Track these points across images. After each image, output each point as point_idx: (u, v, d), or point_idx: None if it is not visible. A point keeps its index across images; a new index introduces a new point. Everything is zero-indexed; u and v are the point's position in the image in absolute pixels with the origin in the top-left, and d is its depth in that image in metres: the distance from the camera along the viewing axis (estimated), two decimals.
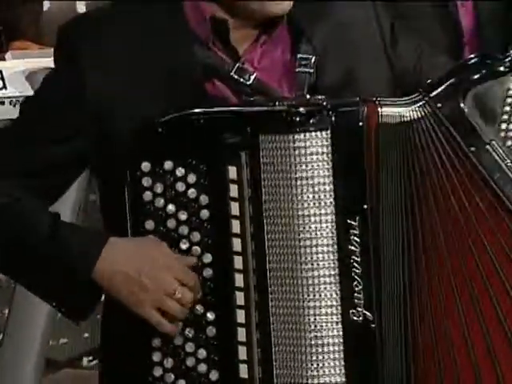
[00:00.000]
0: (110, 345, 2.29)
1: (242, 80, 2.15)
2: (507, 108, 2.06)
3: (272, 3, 2.18)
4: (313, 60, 2.16)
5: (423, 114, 2.06)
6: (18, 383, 3.89)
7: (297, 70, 2.18)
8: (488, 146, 2.04)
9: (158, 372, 2.05)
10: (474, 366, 2.05)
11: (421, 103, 2.08)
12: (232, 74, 2.13)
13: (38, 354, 3.78)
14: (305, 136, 2.02)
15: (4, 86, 3.54)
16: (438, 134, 2.05)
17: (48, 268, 2.12)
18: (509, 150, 2.04)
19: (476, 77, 2.07)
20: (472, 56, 2.27)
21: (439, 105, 2.06)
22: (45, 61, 3.71)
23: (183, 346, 2.07)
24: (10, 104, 3.66)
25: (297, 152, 2.04)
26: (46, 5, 4.73)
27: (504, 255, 2.03)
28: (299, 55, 2.19)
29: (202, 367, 2.05)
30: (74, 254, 2.09)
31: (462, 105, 2.05)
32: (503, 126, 2.05)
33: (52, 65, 3.35)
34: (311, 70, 2.16)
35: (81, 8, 4.85)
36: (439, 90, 2.09)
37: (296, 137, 2.02)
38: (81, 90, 2.11)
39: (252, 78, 2.13)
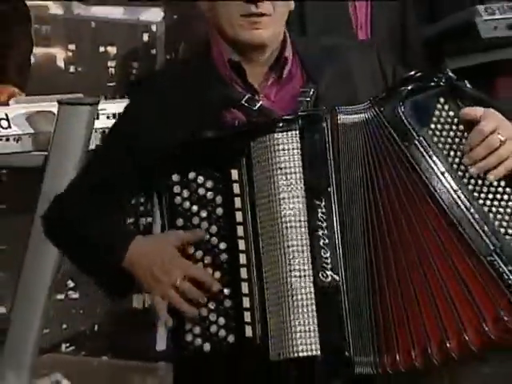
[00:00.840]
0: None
1: (250, 107, 2.40)
2: (437, 112, 2.29)
3: (251, 30, 2.38)
4: (311, 92, 2.42)
5: (370, 116, 2.30)
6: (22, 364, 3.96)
7: (298, 99, 2.43)
8: (416, 142, 2.27)
9: (189, 337, 2.29)
10: (434, 310, 2.25)
11: (364, 109, 2.34)
12: (243, 102, 2.39)
13: (35, 343, 3.93)
14: (277, 136, 2.27)
15: (9, 126, 3.78)
16: (381, 132, 2.31)
17: (97, 258, 2.41)
18: (434, 145, 2.28)
19: (413, 88, 2.31)
20: (416, 71, 2.38)
21: (382, 108, 2.30)
22: (41, 105, 3.90)
23: (208, 316, 2.29)
24: (14, 140, 3.76)
25: (273, 148, 2.29)
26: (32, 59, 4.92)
27: (438, 225, 2.22)
28: (302, 90, 2.45)
29: (222, 332, 2.29)
30: (110, 248, 2.37)
31: (398, 109, 2.28)
32: (432, 125, 2.28)
33: (47, 108, 3.74)
34: (308, 99, 2.42)
35: (60, 60, 4.89)
36: (383, 96, 2.35)
37: (272, 136, 2.28)
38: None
39: (258, 105, 2.39)
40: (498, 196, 2.31)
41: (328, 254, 2.26)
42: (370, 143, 2.30)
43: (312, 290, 2.25)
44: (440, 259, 2.26)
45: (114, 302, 4.76)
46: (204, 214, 2.32)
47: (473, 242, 2.24)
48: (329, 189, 2.27)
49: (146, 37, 4.78)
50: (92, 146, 3.97)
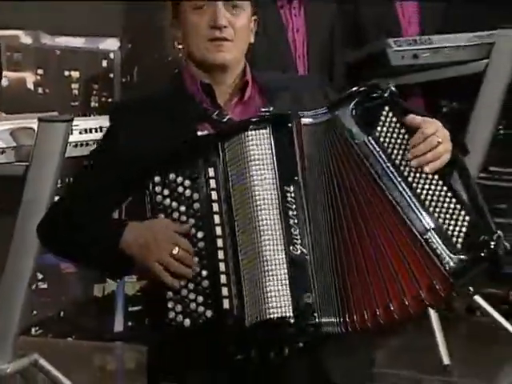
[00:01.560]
0: (149, 304, 2.58)
1: (220, 119, 2.47)
2: (383, 118, 2.38)
3: (216, 52, 2.44)
4: (271, 109, 2.45)
5: (328, 119, 2.39)
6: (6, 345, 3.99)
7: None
8: (366, 140, 2.37)
9: (171, 315, 2.33)
10: (381, 279, 2.34)
11: (322, 113, 2.42)
12: (213, 116, 2.46)
13: (17, 327, 3.97)
14: (250, 133, 2.33)
15: None
16: (337, 132, 2.39)
17: (97, 246, 2.43)
18: (380, 143, 2.38)
19: (363, 97, 2.41)
20: (363, 85, 2.47)
21: (337, 113, 2.39)
22: (23, 122, 3.94)
23: (187, 295, 2.34)
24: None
25: (246, 144, 2.35)
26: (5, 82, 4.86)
27: (383, 208, 2.31)
28: (263, 110, 2.45)
29: (201, 308, 2.33)
30: (107, 234, 2.41)
31: (351, 113, 2.38)
32: (378, 128, 2.38)
33: (27, 125, 3.80)
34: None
35: (30, 83, 4.85)
36: (337, 103, 2.43)
37: (245, 134, 2.33)
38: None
39: (226, 118, 2.48)
40: (433, 186, 2.37)
41: (297, 231, 2.33)
42: (328, 141, 2.39)
43: (284, 261, 2.31)
44: (384, 236, 2.35)
45: (81, 291, 5.01)
46: (183, 208, 2.38)
47: (411, 222, 2.34)
48: (296, 177, 2.34)
49: (104, 63, 4.77)
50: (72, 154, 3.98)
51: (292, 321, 2.29)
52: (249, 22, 2.52)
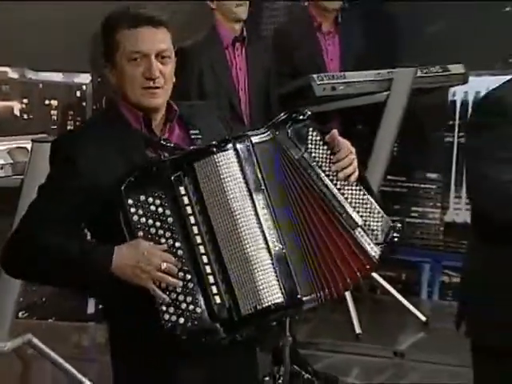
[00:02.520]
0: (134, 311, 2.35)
1: (166, 144, 2.43)
2: (310, 136, 2.43)
3: (150, 98, 2.39)
4: (198, 133, 2.48)
5: (270, 138, 2.41)
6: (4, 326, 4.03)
7: (192, 137, 2.47)
8: (301, 155, 2.42)
9: (166, 317, 2.27)
10: (333, 262, 2.40)
11: (263, 133, 2.42)
12: (162, 142, 2.41)
13: (13, 311, 4.08)
14: (219, 155, 2.32)
15: None
16: (280, 148, 2.42)
17: (86, 272, 2.31)
18: (312, 157, 2.44)
19: (294, 120, 2.44)
20: (291, 110, 2.50)
21: (277, 133, 2.41)
22: (18, 142, 4.05)
23: (177, 297, 2.29)
24: None
25: (217, 164, 2.32)
26: None
27: (322, 208, 2.37)
28: (192, 132, 2.48)
29: (190, 307, 2.29)
30: (97, 261, 2.29)
31: (288, 133, 2.41)
32: (308, 145, 2.44)
33: (22, 145, 3.85)
34: (200, 137, 2.48)
35: (16, 110, 4.90)
36: (274, 125, 2.43)
37: (214, 156, 2.32)
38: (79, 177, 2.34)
39: (172, 143, 2.42)
40: (355, 192, 2.47)
41: (272, 231, 2.35)
42: (274, 156, 2.42)
43: (267, 257, 2.32)
44: (325, 231, 2.43)
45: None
46: (158, 224, 2.31)
47: (343, 219, 2.43)
48: (261, 186, 2.36)
49: (78, 93, 4.87)
50: None
51: (283, 304, 2.32)
52: (172, 68, 2.46)
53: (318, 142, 2.47)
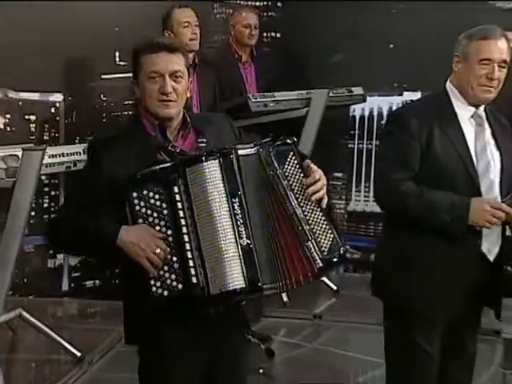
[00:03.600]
0: (131, 279, 2.42)
1: (174, 150, 2.44)
2: (289, 158, 2.40)
3: (164, 109, 2.43)
4: (204, 141, 2.48)
5: (254, 153, 2.40)
6: None
7: (198, 145, 2.46)
8: (277, 173, 2.39)
9: (154, 289, 2.32)
10: (290, 260, 2.36)
11: (250, 148, 2.41)
12: (169, 148, 2.43)
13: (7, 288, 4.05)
14: (206, 163, 2.33)
15: None
16: (260, 163, 2.40)
17: (98, 243, 2.38)
18: (285, 177, 2.39)
19: (277, 142, 2.43)
20: (275, 135, 2.50)
21: (260, 150, 2.39)
22: (10, 151, 4.06)
23: (164, 274, 2.33)
24: None
25: (204, 171, 2.33)
26: None
27: (284, 218, 2.35)
28: (199, 140, 2.48)
29: (173, 283, 2.32)
30: (106, 234, 2.36)
31: (270, 152, 2.39)
32: (286, 166, 2.41)
33: (14, 153, 3.82)
34: (205, 145, 2.47)
35: (1, 124, 4.85)
36: (260, 144, 2.41)
37: (203, 164, 2.32)
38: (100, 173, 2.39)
39: (178, 149, 2.44)
40: (315, 212, 2.43)
41: (243, 228, 2.34)
42: (255, 168, 2.40)
43: (236, 249, 2.32)
44: (283, 235, 2.40)
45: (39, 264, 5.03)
46: (155, 214, 2.35)
47: (298, 231, 2.39)
48: (239, 192, 2.35)
49: (53, 110, 4.86)
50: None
51: (245, 289, 2.31)
52: (186, 85, 2.47)
53: (294, 165, 2.44)
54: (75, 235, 2.40)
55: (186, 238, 2.33)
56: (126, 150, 2.43)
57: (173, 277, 2.33)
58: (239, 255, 2.32)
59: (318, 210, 2.43)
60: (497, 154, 2.89)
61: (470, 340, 3.11)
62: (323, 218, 2.43)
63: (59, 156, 4.32)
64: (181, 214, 2.34)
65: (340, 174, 5.91)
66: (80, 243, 2.44)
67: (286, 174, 2.42)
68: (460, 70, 2.88)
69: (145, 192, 2.34)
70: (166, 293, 2.32)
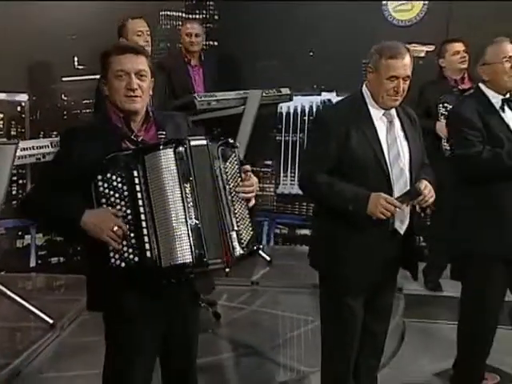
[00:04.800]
0: (93, 254, 2.40)
1: (136, 139, 2.42)
2: (231, 159, 2.38)
3: (130, 103, 2.39)
4: (164, 134, 2.43)
5: (203, 145, 2.36)
6: None
7: (159, 136, 2.42)
8: (220, 167, 2.36)
9: (112, 260, 2.31)
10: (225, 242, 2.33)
11: (201, 139, 2.37)
12: (132, 137, 2.41)
13: None
14: (162, 151, 2.30)
15: None
16: (209, 155, 2.37)
17: (64, 222, 2.36)
18: (225, 172, 2.37)
19: (223, 142, 2.40)
20: (227, 139, 2.45)
21: (210, 143, 2.36)
22: None
23: (122, 248, 2.31)
24: None
25: (159, 158, 2.30)
26: None
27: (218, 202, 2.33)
28: (159, 132, 2.43)
29: (130, 256, 2.30)
30: (71, 215, 2.34)
31: (218, 147, 2.38)
32: (227, 164, 2.38)
33: None
34: (164, 137, 2.41)
35: None
36: (210, 138, 2.39)
37: (159, 152, 2.30)
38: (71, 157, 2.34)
39: (140, 138, 2.42)
40: (242, 209, 2.43)
41: (192, 210, 2.31)
42: (202, 159, 2.38)
43: (185, 228, 2.29)
44: (220, 219, 2.37)
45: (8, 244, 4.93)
46: (117, 195, 2.33)
47: (226, 219, 2.38)
48: (190, 178, 2.32)
49: (19, 108, 4.78)
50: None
51: (192, 264, 2.29)
52: (149, 83, 2.45)
53: (234, 165, 2.42)
54: (44, 215, 2.39)
55: (142, 216, 2.30)
56: (94, 138, 2.38)
57: (130, 250, 2.31)
58: (188, 234, 2.29)
59: (245, 208, 2.42)
60: (406, 146, 2.92)
61: (388, 298, 3.21)
62: (248, 216, 2.42)
63: (30, 149, 4.27)
64: (139, 195, 2.31)
65: (270, 162, 5.94)
66: (48, 222, 2.44)
67: (227, 170, 2.39)
68: (372, 80, 2.91)
69: (108, 175, 2.31)
70: (123, 264, 2.30)
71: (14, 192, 4.89)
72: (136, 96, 2.39)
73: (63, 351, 3.88)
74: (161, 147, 2.29)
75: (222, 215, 2.36)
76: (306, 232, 5.30)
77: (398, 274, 3.13)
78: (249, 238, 2.40)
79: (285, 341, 4.06)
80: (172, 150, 2.30)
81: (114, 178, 2.31)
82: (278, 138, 5.91)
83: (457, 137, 3.27)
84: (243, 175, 2.43)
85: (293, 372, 3.65)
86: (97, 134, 2.39)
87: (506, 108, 3.20)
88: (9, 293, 4.17)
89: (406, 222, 2.93)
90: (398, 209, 2.78)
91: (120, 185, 2.32)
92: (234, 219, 2.37)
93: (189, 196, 2.31)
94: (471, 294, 3.36)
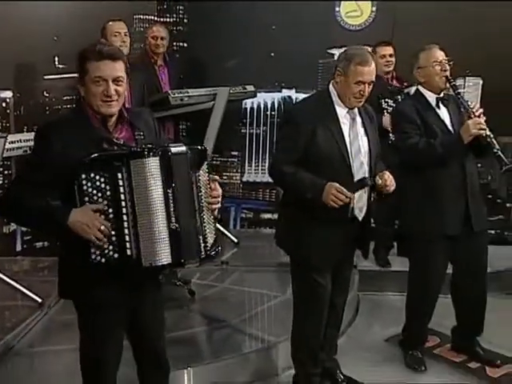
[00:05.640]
0: (66, 248, 2.34)
1: (117, 142, 2.34)
2: (202, 166, 2.33)
3: (107, 108, 2.31)
4: (141, 134, 2.40)
5: (182, 152, 2.28)
6: None
7: (136, 137, 2.38)
8: (195, 174, 2.32)
9: (93, 256, 2.26)
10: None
11: (180, 147, 2.30)
12: (114, 140, 2.32)
13: None
14: (149, 159, 2.24)
15: None
16: (185, 162, 2.31)
17: (52, 226, 2.28)
18: (197, 180, 2.33)
19: (196, 151, 2.33)
20: (201, 147, 2.40)
21: (188, 151, 2.30)
22: None
23: (104, 245, 2.25)
24: None
25: (145, 165, 2.24)
26: None
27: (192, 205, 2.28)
28: (136, 133, 2.38)
29: (110, 253, 2.26)
30: (58, 217, 2.25)
31: (189, 155, 2.30)
32: (200, 171, 2.34)
33: None
34: (142, 138, 2.39)
35: None
36: (190, 147, 2.33)
37: (144, 159, 2.24)
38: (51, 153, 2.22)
39: (121, 141, 2.34)
40: (208, 216, 2.39)
41: (172, 214, 2.27)
42: (182, 167, 2.31)
43: (166, 231, 2.26)
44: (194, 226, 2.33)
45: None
46: (100, 194, 2.26)
47: (197, 224, 2.34)
48: (173, 184, 2.27)
49: (4, 104, 4.72)
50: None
51: (170, 264, 2.28)
52: (125, 87, 2.36)
53: (205, 173, 2.39)
54: (25, 213, 2.27)
55: (124, 217, 2.25)
56: (74, 136, 2.27)
57: (110, 247, 2.26)
58: (169, 237, 2.25)
59: (211, 215, 2.39)
60: (365, 141, 2.98)
61: (347, 274, 3.33)
62: (213, 222, 2.39)
63: (17, 142, 4.19)
64: (122, 196, 2.24)
65: (236, 153, 5.93)
66: (30, 220, 2.33)
67: (200, 177, 2.35)
68: (340, 82, 2.94)
69: (92, 174, 2.24)
70: (103, 260, 2.25)
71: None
72: (112, 101, 2.30)
73: (51, 327, 3.86)
74: (146, 154, 2.23)
75: (196, 220, 2.32)
76: (270, 216, 5.32)
77: (355, 252, 3.25)
78: (212, 241, 2.38)
79: (253, 314, 4.08)
80: (157, 158, 2.24)
81: (97, 177, 2.24)
82: (243, 130, 5.91)
83: (398, 131, 3.44)
84: (212, 184, 2.39)
85: (261, 342, 3.67)
86: (76, 132, 2.28)
87: (440, 105, 3.38)
88: (2, 276, 4.13)
89: (364, 209, 3.00)
90: (355, 195, 2.90)
91: (103, 185, 2.25)
92: (203, 224, 2.34)
93: (171, 201, 2.26)
94: (417, 268, 3.54)
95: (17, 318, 3.87)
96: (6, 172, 4.78)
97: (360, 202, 2.96)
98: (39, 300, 4.06)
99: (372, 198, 3.03)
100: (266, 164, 5.75)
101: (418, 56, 3.38)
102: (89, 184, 2.23)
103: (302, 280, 3.11)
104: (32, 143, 3.91)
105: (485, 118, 3.22)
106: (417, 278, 3.52)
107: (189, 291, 4.26)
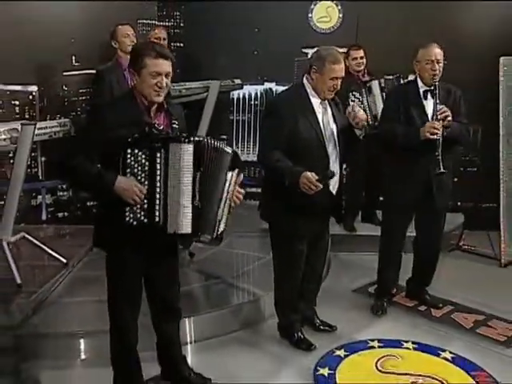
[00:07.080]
0: (107, 208, 2.36)
1: (157, 127, 2.34)
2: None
3: (157, 96, 2.35)
4: (177, 122, 2.39)
5: (198, 142, 2.27)
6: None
7: (173, 125, 2.38)
8: (201, 168, 2.28)
9: (127, 218, 2.29)
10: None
11: (202, 138, 2.32)
12: (156, 125, 2.34)
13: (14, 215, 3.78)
14: (184, 144, 2.25)
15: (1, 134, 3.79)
16: (207, 149, 2.31)
17: (101, 187, 2.31)
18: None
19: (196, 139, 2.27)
20: (210, 139, 2.36)
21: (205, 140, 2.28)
22: (12, 125, 3.90)
23: (137, 210, 2.28)
24: (3, 140, 3.79)
25: (181, 149, 2.25)
26: None
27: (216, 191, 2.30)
28: (173, 121, 2.39)
29: (142, 217, 2.27)
30: (108, 180, 2.29)
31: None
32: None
33: (15, 127, 3.63)
34: (178, 126, 2.38)
35: None
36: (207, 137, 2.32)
37: (181, 144, 2.26)
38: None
39: (162, 126, 2.36)
40: (229, 207, 2.40)
41: (197, 193, 2.30)
42: (206, 153, 2.33)
43: (190, 206, 2.30)
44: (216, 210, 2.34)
45: (26, 203, 4.70)
46: (140, 168, 2.28)
47: (216, 210, 2.36)
48: (201, 168, 2.31)
49: (30, 97, 4.65)
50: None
51: (189, 234, 2.33)
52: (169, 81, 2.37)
53: (237, 176, 2.41)
54: (81, 176, 2.30)
55: (157, 189, 2.28)
56: (123, 116, 2.28)
57: (143, 213, 2.29)
58: (192, 211, 2.28)
59: (230, 208, 2.42)
60: (335, 127, 3.04)
61: (325, 240, 3.42)
62: (228, 214, 2.41)
63: (43, 128, 4.28)
64: (158, 172, 2.28)
65: (225, 136, 5.88)
66: (83, 182, 2.36)
67: (232, 177, 2.39)
68: (316, 78, 2.98)
69: (136, 151, 2.26)
70: (135, 222, 2.29)
71: (28, 162, 4.80)
72: (162, 91, 2.35)
73: (75, 283, 3.92)
74: (184, 140, 2.25)
75: (218, 206, 2.35)
76: (253, 190, 5.29)
77: (329, 220, 3.34)
78: (222, 230, 2.41)
79: (242, 272, 4.09)
80: (192, 145, 2.27)
81: (140, 154, 2.25)
82: (231, 117, 5.91)
83: (383, 112, 3.52)
84: (239, 188, 2.44)
85: (250, 295, 3.70)
86: (125, 112, 2.30)
87: (428, 96, 3.39)
88: (33, 240, 4.19)
89: (336, 187, 3.11)
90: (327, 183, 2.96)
91: (144, 160, 2.25)
92: (222, 212, 2.37)
93: (197, 183, 2.28)
94: (383, 230, 3.71)
95: (47, 275, 3.91)
96: (33, 154, 4.76)
97: (333, 181, 3.03)
98: (64, 260, 4.12)
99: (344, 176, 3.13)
100: (251, 145, 5.72)
101: (418, 51, 3.37)
102: (132, 158, 2.25)
103: (282, 247, 3.14)
104: (55, 129, 4.19)
105: (450, 119, 3.22)
106: (383, 237, 3.65)
107: (189, 253, 4.26)
